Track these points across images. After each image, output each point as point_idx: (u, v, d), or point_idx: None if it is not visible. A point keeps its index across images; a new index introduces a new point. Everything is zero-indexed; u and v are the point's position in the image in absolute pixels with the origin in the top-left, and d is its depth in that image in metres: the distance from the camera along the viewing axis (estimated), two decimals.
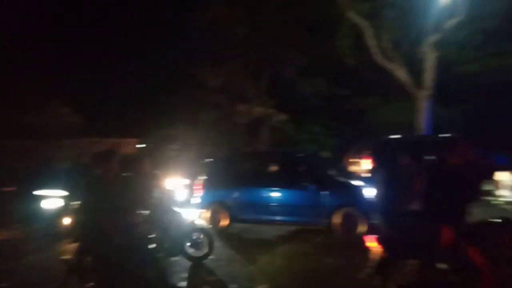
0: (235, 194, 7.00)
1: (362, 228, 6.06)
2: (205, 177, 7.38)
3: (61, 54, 18.32)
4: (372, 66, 13.29)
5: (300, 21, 13.16)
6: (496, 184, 6.81)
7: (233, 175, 7.17)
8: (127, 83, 17.19)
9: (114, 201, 3.58)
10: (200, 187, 7.34)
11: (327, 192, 6.52)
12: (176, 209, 5.17)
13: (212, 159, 7.88)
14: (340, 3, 12.26)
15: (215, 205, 7.15)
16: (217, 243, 5.59)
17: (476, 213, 3.76)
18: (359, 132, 13.68)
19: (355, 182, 6.69)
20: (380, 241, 3.60)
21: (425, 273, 3.49)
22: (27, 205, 7.19)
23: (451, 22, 11.46)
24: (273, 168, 7.30)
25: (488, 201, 4.42)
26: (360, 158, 9.35)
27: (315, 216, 6.55)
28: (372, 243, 3.66)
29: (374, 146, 6.68)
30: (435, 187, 3.41)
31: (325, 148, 14.80)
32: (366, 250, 3.70)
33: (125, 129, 16.95)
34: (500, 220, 3.52)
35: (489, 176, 7.02)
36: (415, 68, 12.85)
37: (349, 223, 6.23)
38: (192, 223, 5.20)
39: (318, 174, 6.85)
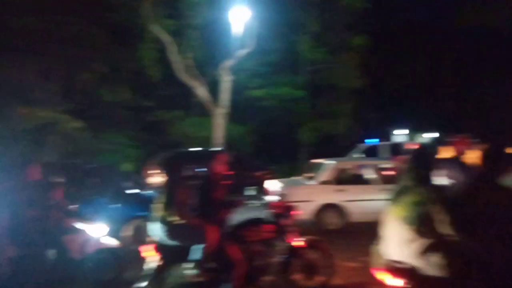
0: None
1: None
2: None
3: None
4: (175, 80, 13.86)
5: (102, 24, 12.42)
6: (265, 190, 8.21)
7: None
8: None
9: None
10: None
11: (118, 205, 6.33)
12: (80, 225, 4.34)
13: None
14: (143, 15, 12.30)
15: None
16: None
17: (242, 215, 4.46)
18: (162, 144, 13.91)
19: (147, 194, 6.75)
20: (156, 249, 3.76)
21: (197, 274, 3.85)
22: None
23: (242, 52, 13.29)
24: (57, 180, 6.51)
25: (254, 205, 5.25)
26: (157, 170, 9.53)
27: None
28: (148, 252, 3.79)
29: (164, 159, 6.97)
30: (202, 194, 3.86)
31: (128, 160, 14.27)
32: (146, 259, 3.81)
33: None
34: (254, 220, 4.28)
35: (258, 183, 8.47)
36: (215, 88, 14.19)
37: (140, 234, 6.21)
38: (98, 241, 4.41)
39: (109, 187, 6.58)
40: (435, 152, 4.90)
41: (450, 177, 4.27)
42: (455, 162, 4.54)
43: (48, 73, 12.12)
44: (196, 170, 6.90)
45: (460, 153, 4.78)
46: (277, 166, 12.63)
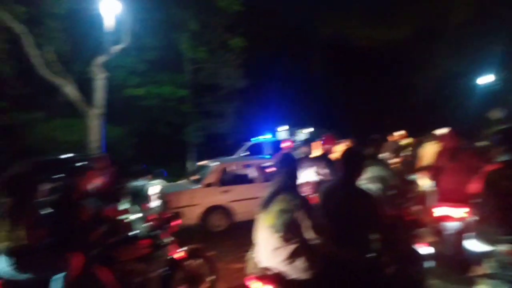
0: None
1: None
2: None
3: None
4: (35, 77, 11.93)
5: None
6: (148, 198, 7.65)
7: None
8: None
9: None
10: None
11: None
12: None
13: None
14: None
15: None
16: None
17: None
18: (20, 151, 11.82)
19: None
20: (4, 286, 3.09)
21: None
22: None
23: (116, 47, 12.19)
24: None
25: (130, 219, 4.65)
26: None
27: None
28: None
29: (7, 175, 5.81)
30: (59, 214, 3.31)
31: None
32: None
33: None
34: (128, 237, 3.88)
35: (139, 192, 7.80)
36: (87, 86, 12.67)
37: None
38: None
39: None
40: (308, 152, 5.26)
41: (319, 174, 4.62)
42: (323, 159, 4.92)
43: None
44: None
45: (328, 150, 5.21)
46: (163, 170, 11.93)
